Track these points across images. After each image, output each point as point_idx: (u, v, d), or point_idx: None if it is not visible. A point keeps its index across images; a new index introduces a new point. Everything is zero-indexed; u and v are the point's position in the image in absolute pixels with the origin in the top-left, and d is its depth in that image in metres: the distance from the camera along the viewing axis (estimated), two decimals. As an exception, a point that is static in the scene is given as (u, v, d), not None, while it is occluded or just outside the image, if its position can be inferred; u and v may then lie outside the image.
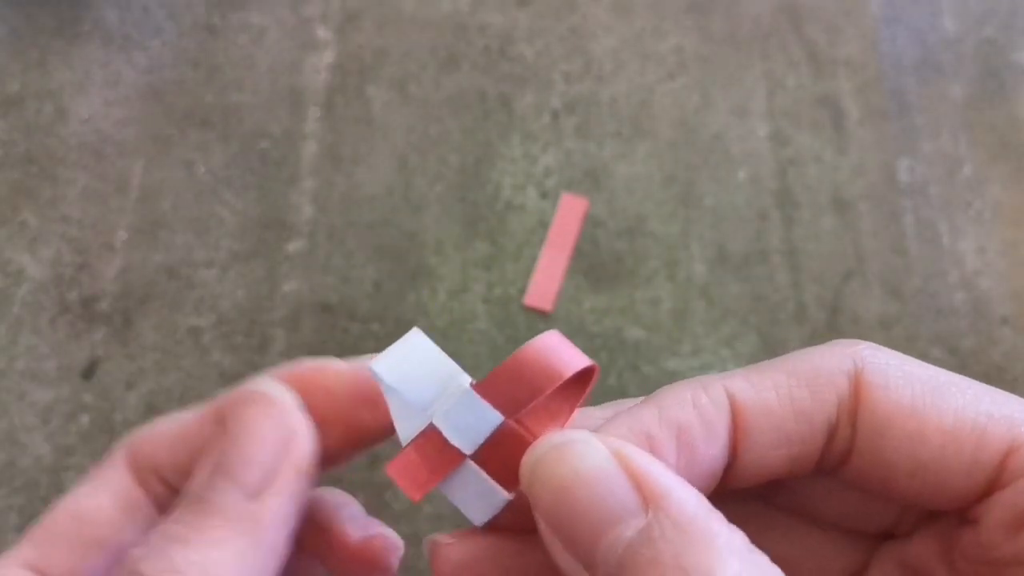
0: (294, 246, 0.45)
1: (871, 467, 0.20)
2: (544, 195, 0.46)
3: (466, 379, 0.19)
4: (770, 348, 0.41)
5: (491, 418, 0.20)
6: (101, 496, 0.23)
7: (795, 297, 0.43)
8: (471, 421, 0.20)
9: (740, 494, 0.20)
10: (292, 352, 0.42)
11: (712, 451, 0.20)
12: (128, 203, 0.45)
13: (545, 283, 0.43)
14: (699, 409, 0.20)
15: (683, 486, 0.18)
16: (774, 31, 0.50)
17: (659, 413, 0.20)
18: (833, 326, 0.42)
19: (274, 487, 0.19)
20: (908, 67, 0.49)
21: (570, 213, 0.45)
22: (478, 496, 0.20)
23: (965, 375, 0.38)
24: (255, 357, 0.42)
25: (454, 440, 0.20)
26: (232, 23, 0.50)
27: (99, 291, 0.43)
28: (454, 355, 0.40)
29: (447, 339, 0.42)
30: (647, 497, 0.17)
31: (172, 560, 0.18)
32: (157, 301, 0.43)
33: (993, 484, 0.19)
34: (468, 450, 0.20)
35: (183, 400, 0.41)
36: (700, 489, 0.18)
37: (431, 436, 0.20)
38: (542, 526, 0.19)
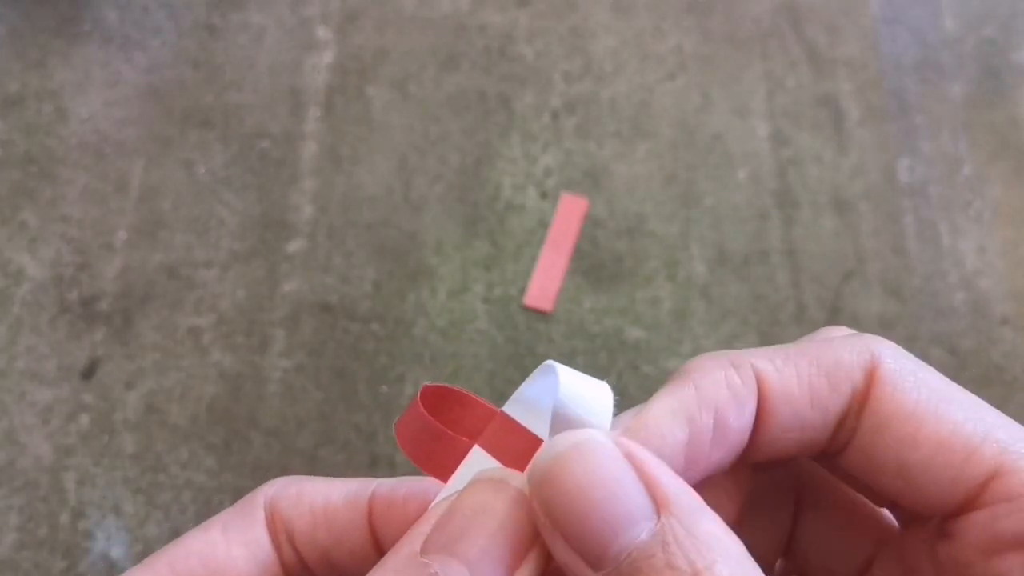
0: (294, 246, 0.45)
1: (863, 461, 0.20)
2: (544, 195, 0.46)
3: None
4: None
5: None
6: (235, 548, 0.22)
7: (795, 297, 0.43)
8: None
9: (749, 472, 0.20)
10: (292, 352, 0.42)
11: (741, 430, 0.20)
12: (128, 203, 0.45)
13: (545, 283, 0.43)
14: (733, 390, 0.20)
15: (689, 491, 0.18)
16: (774, 31, 0.50)
17: (697, 394, 0.20)
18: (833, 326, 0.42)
19: None
20: (908, 67, 0.49)
21: (570, 213, 0.45)
22: None
23: (965, 375, 0.39)
24: (255, 357, 0.42)
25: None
26: (232, 23, 0.50)
27: (99, 291, 0.43)
28: (454, 355, 0.40)
29: (447, 339, 0.42)
30: (658, 501, 0.18)
31: None
32: (157, 301, 0.43)
33: (972, 502, 0.19)
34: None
35: (183, 400, 0.41)
36: (722, 463, 0.19)
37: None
38: (545, 524, 0.19)
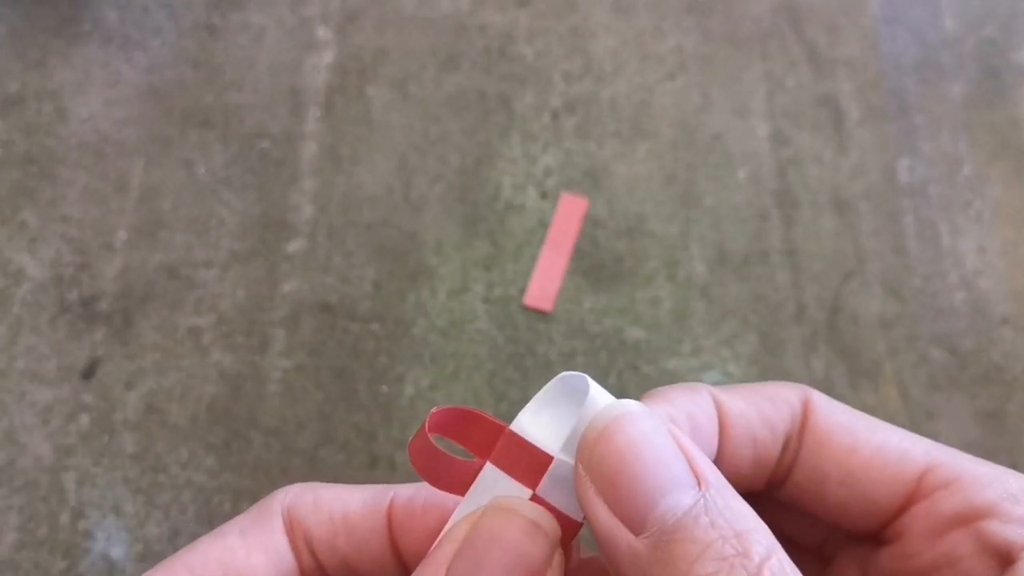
0: (294, 246, 0.45)
1: (809, 477, 0.23)
2: (544, 195, 0.46)
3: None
4: (770, 348, 0.41)
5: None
6: (254, 554, 0.22)
7: (795, 297, 0.43)
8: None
9: None
10: (292, 352, 0.42)
11: (710, 443, 0.22)
12: (128, 203, 0.45)
13: (545, 283, 0.43)
14: (699, 405, 0.22)
15: (718, 472, 0.20)
16: (774, 31, 0.50)
17: (675, 406, 0.22)
18: (833, 326, 0.42)
19: None
20: (908, 67, 0.49)
21: (570, 213, 0.45)
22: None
23: (965, 375, 0.40)
24: (255, 357, 0.42)
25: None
26: (232, 23, 0.50)
27: (99, 291, 0.43)
28: (454, 355, 0.40)
29: (447, 339, 0.42)
30: (696, 472, 0.19)
31: None
32: (157, 301, 0.43)
33: (911, 498, 0.21)
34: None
35: (183, 400, 0.41)
36: None
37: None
38: (588, 492, 0.20)
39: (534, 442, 0.21)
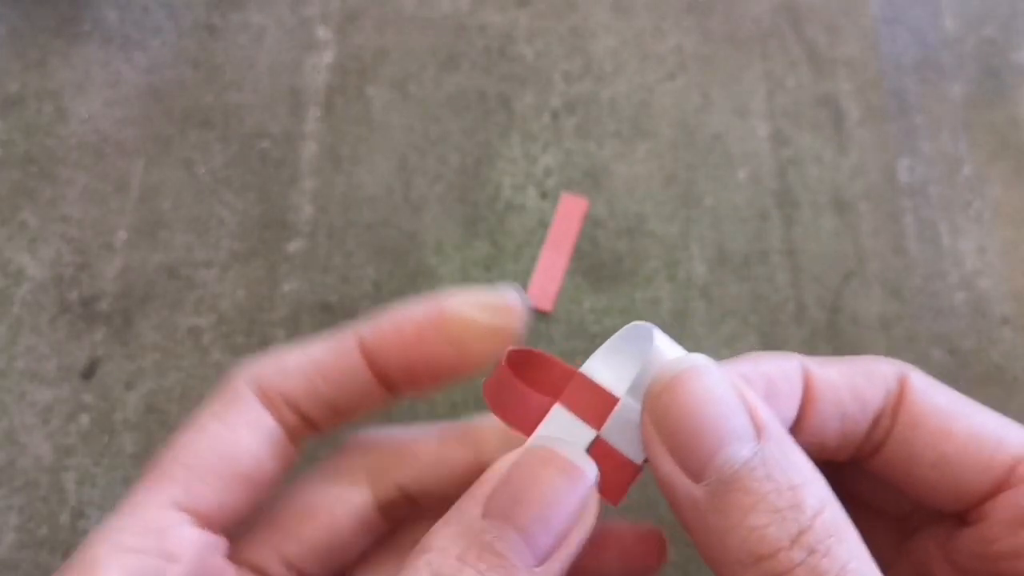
0: (294, 246, 0.45)
1: (900, 456, 0.23)
2: (544, 195, 0.46)
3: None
4: (770, 348, 0.41)
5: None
6: (240, 431, 0.23)
7: (795, 297, 0.43)
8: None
9: None
10: (292, 352, 0.42)
11: (790, 407, 0.22)
12: (128, 203, 0.45)
13: (545, 283, 0.43)
14: (783, 369, 0.22)
15: (781, 426, 0.20)
16: (774, 31, 0.50)
17: (755, 367, 0.22)
18: (833, 326, 0.42)
19: (558, 555, 0.20)
20: (908, 67, 0.49)
21: (570, 213, 0.45)
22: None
23: (965, 375, 0.40)
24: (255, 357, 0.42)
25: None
26: (232, 23, 0.50)
27: (99, 291, 0.43)
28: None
29: (447, 339, 0.42)
30: (757, 425, 0.20)
31: None
32: (157, 301, 0.43)
33: (1001, 485, 0.21)
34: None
35: (183, 400, 0.41)
36: None
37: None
38: (652, 434, 0.20)
39: (602, 384, 0.22)
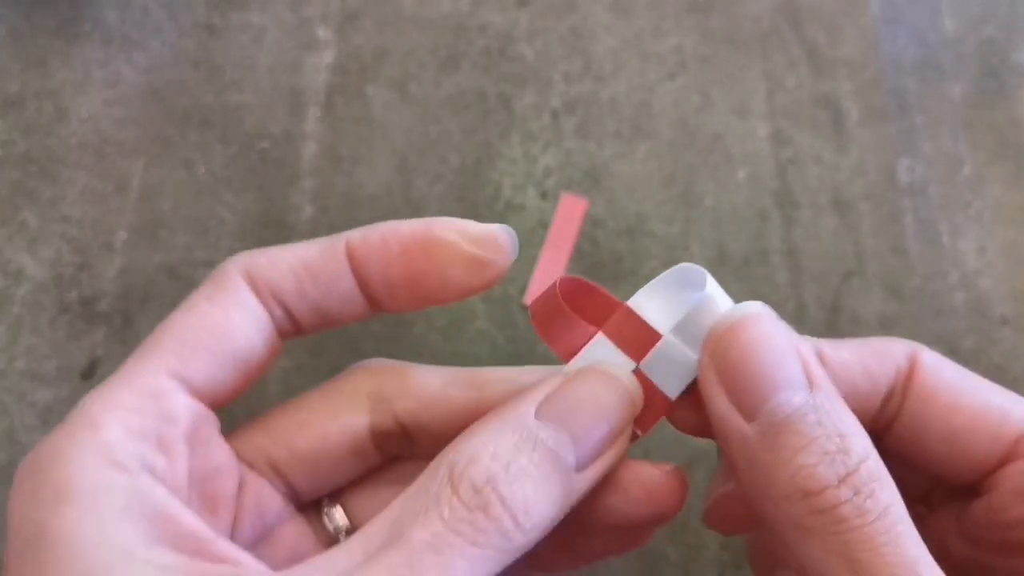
0: (294, 246, 0.45)
1: (912, 431, 0.23)
2: (544, 195, 0.46)
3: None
4: (770, 348, 0.41)
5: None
6: (231, 312, 0.24)
7: (795, 297, 0.43)
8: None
9: None
10: (292, 351, 0.42)
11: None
12: (128, 203, 0.45)
13: (545, 283, 0.43)
14: (800, 349, 0.23)
15: (829, 379, 0.21)
16: (774, 31, 0.50)
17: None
18: (833, 326, 0.42)
19: (596, 465, 0.21)
20: (908, 67, 0.49)
21: (570, 213, 0.45)
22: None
23: None
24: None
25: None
26: (232, 23, 0.50)
27: (99, 291, 0.43)
28: (454, 355, 0.40)
29: (447, 339, 0.42)
30: (811, 379, 0.20)
31: (515, 491, 0.19)
32: (157, 301, 0.43)
33: (1008, 456, 0.22)
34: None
35: (183, 400, 0.41)
36: None
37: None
38: (709, 373, 0.21)
39: (647, 319, 0.23)
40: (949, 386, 0.23)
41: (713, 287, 0.23)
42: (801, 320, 0.42)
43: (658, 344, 0.22)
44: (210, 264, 0.44)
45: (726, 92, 0.48)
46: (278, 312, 0.24)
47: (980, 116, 0.48)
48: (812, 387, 0.20)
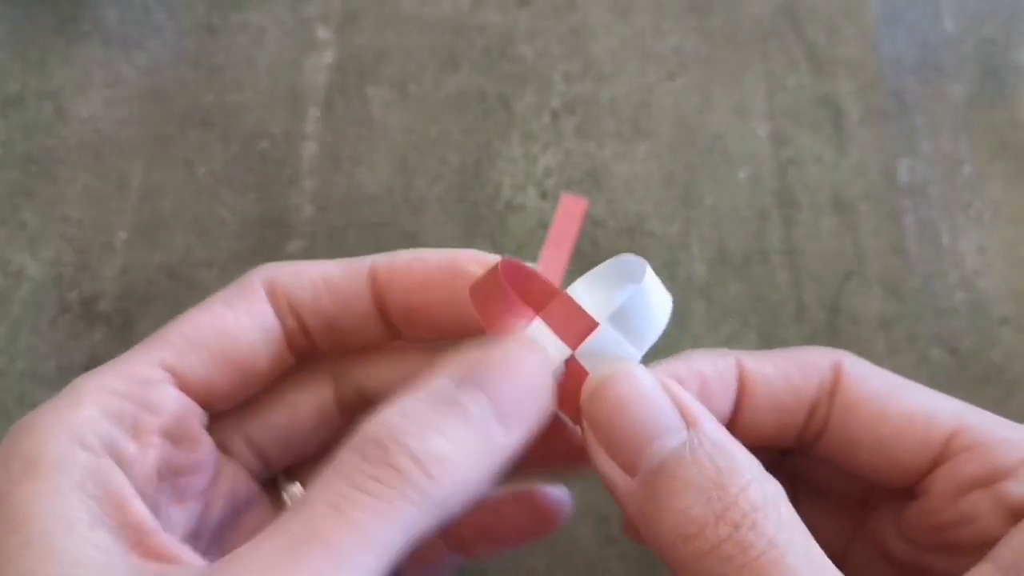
0: (294, 246, 0.45)
1: (840, 441, 0.23)
2: (544, 195, 0.46)
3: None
4: (770, 348, 0.41)
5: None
6: (241, 316, 0.24)
7: (795, 297, 0.43)
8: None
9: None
10: (292, 352, 0.42)
11: (724, 403, 0.23)
12: (128, 203, 0.45)
13: (545, 283, 0.43)
14: (717, 367, 0.23)
15: (711, 416, 0.21)
16: (774, 31, 0.50)
17: (687, 365, 0.24)
18: (833, 326, 0.42)
19: (520, 424, 0.21)
20: (908, 67, 0.49)
21: (570, 213, 0.45)
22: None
23: (965, 375, 0.40)
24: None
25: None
26: (232, 23, 0.50)
27: (99, 291, 0.43)
28: (454, 355, 0.38)
29: (447, 339, 0.42)
30: (687, 419, 0.20)
31: (424, 442, 0.19)
32: (157, 301, 0.43)
33: (938, 460, 0.22)
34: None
35: (183, 400, 0.41)
36: None
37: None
38: (590, 436, 0.21)
39: (585, 308, 0.23)
40: (874, 394, 0.23)
41: (651, 279, 0.23)
42: (801, 320, 0.42)
43: (593, 332, 0.23)
44: (210, 264, 0.44)
45: (726, 92, 0.48)
46: (292, 323, 0.25)
47: (980, 116, 0.48)
48: (689, 426, 0.20)
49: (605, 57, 0.49)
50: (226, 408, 0.25)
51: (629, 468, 0.20)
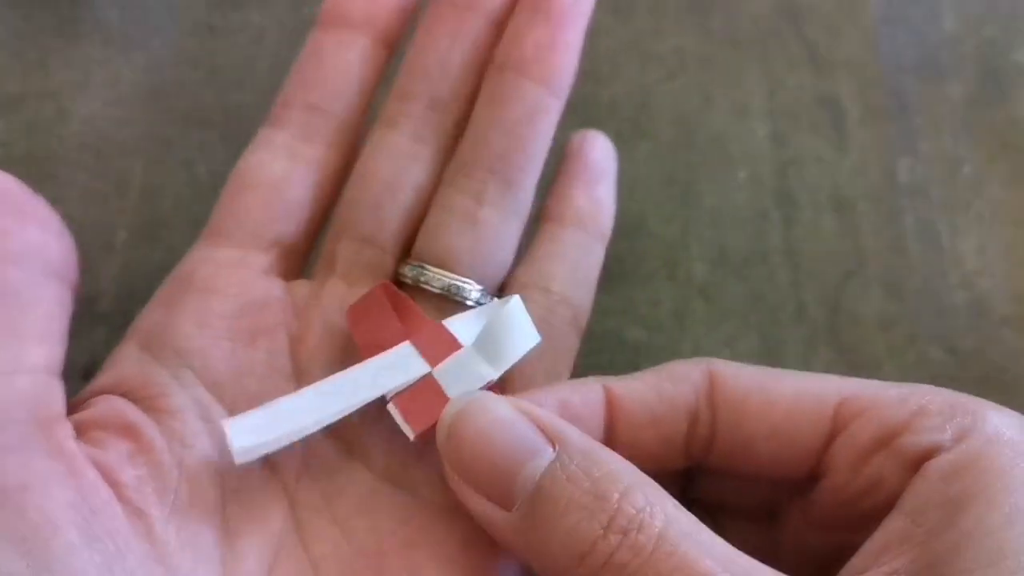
0: (294, 246, 0.45)
1: (734, 442, 0.23)
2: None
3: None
4: (770, 348, 0.41)
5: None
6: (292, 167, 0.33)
7: (795, 297, 0.43)
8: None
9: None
10: (292, 352, 0.42)
11: (592, 424, 0.23)
12: (128, 203, 0.45)
13: (545, 283, 0.43)
14: (579, 391, 0.24)
15: (575, 428, 0.21)
16: (774, 31, 0.50)
17: (546, 393, 0.24)
18: (833, 326, 0.42)
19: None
20: (908, 67, 0.49)
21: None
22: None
23: (965, 375, 0.41)
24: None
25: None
26: (232, 23, 0.50)
27: (99, 291, 0.43)
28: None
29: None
30: (551, 437, 0.20)
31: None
32: (157, 301, 0.43)
33: (832, 432, 0.22)
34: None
35: (183, 400, 0.41)
36: None
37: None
38: (454, 478, 0.21)
39: (454, 333, 0.25)
40: (756, 385, 0.23)
41: (516, 306, 0.24)
42: (801, 320, 0.42)
43: (455, 353, 0.24)
44: (210, 264, 0.44)
45: (726, 92, 0.48)
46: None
47: (980, 116, 0.48)
48: (554, 445, 0.20)
49: (605, 57, 0.49)
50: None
51: (504, 501, 0.20)
